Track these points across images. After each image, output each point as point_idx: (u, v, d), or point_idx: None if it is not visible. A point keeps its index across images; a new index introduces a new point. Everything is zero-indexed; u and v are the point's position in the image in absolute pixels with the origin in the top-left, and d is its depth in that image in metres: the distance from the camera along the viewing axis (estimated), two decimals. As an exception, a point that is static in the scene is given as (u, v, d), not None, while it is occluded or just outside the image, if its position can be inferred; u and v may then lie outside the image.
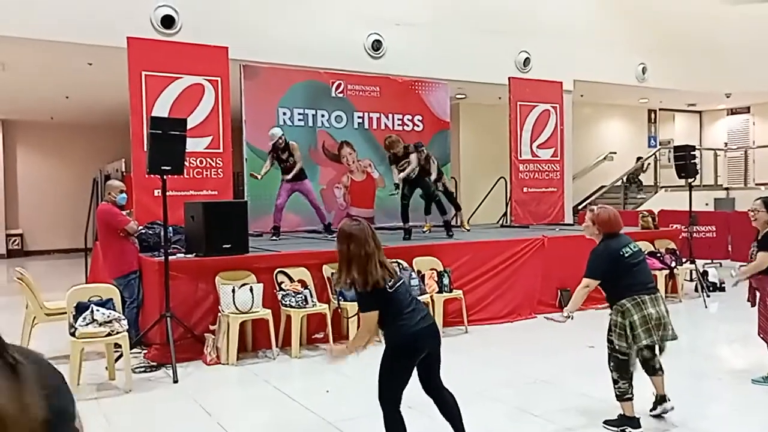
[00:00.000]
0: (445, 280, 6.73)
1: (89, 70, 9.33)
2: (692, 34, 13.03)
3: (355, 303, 6.01)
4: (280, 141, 8.20)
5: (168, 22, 8.15)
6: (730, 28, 13.29)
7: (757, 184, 15.06)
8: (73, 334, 4.90)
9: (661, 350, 4.03)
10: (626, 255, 3.90)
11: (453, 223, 8.98)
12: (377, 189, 10.03)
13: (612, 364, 3.92)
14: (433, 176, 8.61)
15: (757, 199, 4.94)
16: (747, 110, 16.86)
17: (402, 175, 7.97)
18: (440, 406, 3.31)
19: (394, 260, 3.40)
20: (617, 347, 3.88)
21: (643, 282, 3.92)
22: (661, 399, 4.11)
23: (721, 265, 10.42)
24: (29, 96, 11.89)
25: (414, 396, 3.29)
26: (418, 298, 3.45)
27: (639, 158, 16.11)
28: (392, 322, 3.22)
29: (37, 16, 7.48)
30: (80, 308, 4.99)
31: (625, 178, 15.15)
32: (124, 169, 12.94)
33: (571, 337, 6.39)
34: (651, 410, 4.14)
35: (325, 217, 8.69)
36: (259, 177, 8.27)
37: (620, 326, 3.86)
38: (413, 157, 7.97)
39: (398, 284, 3.22)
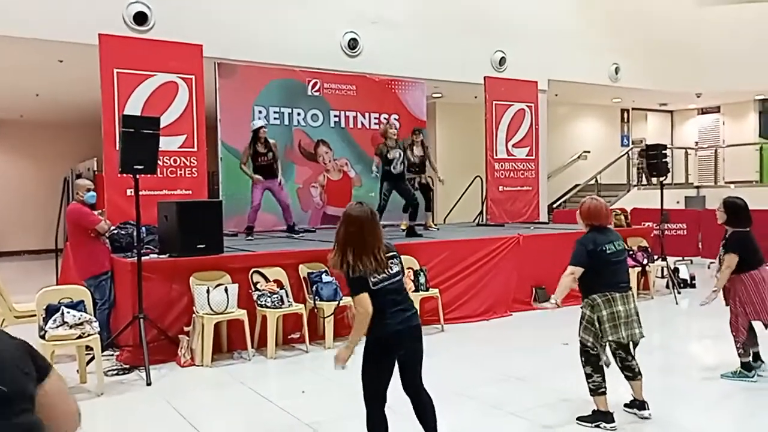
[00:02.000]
0: (422, 279, 6.75)
1: (60, 68, 9.16)
2: (664, 35, 13.25)
3: (331, 303, 6.05)
4: (264, 131, 8.06)
5: (141, 18, 8.04)
6: (701, 30, 13.54)
7: (726, 183, 15.37)
8: (42, 337, 4.81)
9: (635, 345, 4.08)
10: (608, 251, 3.94)
11: (422, 223, 9.00)
12: (354, 188, 10.02)
13: (583, 359, 3.97)
14: (417, 152, 8.76)
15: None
16: (717, 110, 17.20)
17: (391, 154, 8.08)
18: (416, 407, 3.28)
19: (392, 254, 3.28)
20: (582, 340, 3.94)
21: (616, 281, 3.96)
22: (640, 405, 4.12)
23: (692, 262, 10.62)
24: (-3, 93, 11.63)
25: (399, 399, 3.28)
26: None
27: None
28: (374, 317, 3.18)
29: (7, 12, 7.31)
30: (50, 310, 4.89)
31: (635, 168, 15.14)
32: (95, 168, 12.73)
33: (545, 334, 6.46)
34: (625, 405, 4.19)
35: (291, 218, 8.51)
36: (252, 175, 8.13)
37: (588, 319, 3.93)
38: (398, 152, 8.18)
39: (386, 282, 3.13)
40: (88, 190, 5.84)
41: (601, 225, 4.05)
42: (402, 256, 7.10)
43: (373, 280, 3.11)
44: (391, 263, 3.19)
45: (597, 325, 3.88)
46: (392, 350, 3.17)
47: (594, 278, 3.94)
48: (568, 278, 3.99)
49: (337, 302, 6.09)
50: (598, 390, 3.94)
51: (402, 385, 3.27)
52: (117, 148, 6.25)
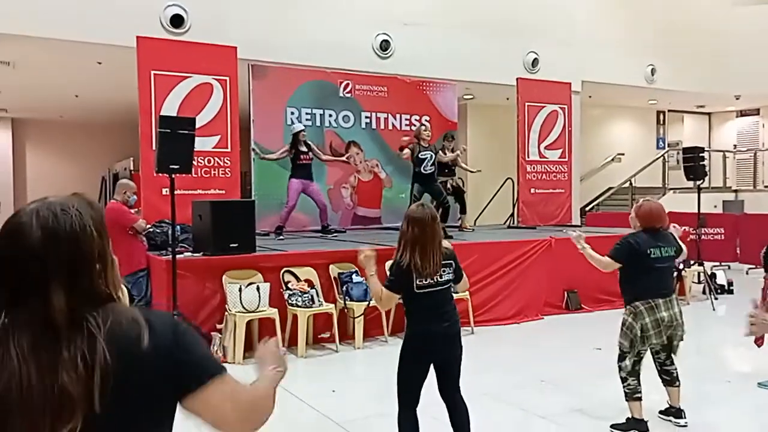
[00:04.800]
0: (452, 281, 6.73)
1: (99, 69, 9.38)
2: (701, 36, 12.96)
3: (361, 303, 6.08)
4: (303, 134, 8.28)
5: (177, 21, 8.18)
6: (739, 30, 13.21)
7: (766, 187, 14.98)
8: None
9: (674, 351, 4.00)
10: (652, 255, 3.85)
11: (457, 224, 9.09)
12: (384, 189, 10.04)
13: (620, 363, 3.92)
14: (449, 156, 8.81)
15: None
16: (756, 112, 16.75)
17: (423, 155, 8.14)
18: (450, 414, 3.27)
19: (448, 261, 3.26)
20: (619, 344, 3.89)
21: (657, 287, 3.87)
22: (676, 413, 4.05)
23: (729, 268, 10.39)
24: (39, 94, 11.96)
25: (432, 402, 3.29)
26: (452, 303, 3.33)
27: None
28: (412, 318, 3.24)
29: (47, 15, 7.52)
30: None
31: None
32: (132, 168, 13.00)
33: (577, 338, 6.40)
34: (660, 412, 4.12)
35: (326, 218, 8.61)
36: (265, 157, 8.38)
37: (628, 326, 3.87)
38: (429, 153, 8.27)
39: (431, 289, 3.16)
40: (134, 192, 6.08)
41: (656, 228, 3.97)
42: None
43: (418, 283, 3.13)
44: (443, 270, 3.20)
45: (638, 333, 3.81)
46: (426, 353, 3.19)
47: (636, 283, 3.87)
48: (601, 259, 3.96)
49: (367, 302, 6.10)
50: (633, 395, 3.88)
51: (438, 389, 3.27)
52: (153, 148, 6.38)
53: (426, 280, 3.14)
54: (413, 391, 3.17)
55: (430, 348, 3.19)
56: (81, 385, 1.04)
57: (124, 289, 5.43)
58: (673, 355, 4.00)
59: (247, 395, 1.29)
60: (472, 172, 9.63)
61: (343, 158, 9.27)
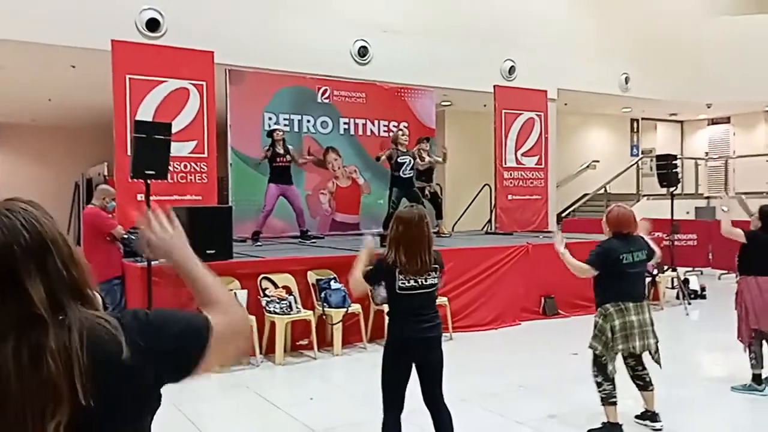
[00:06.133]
0: (430, 287, 6.74)
1: (72, 73, 9.23)
2: (675, 45, 13.23)
3: (340, 310, 6.06)
4: (278, 133, 8.20)
5: (153, 25, 8.09)
6: (711, 40, 13.51)
7: (737, 193, 15.27)
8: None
9: (658, 362, 4.03)
10: (624, 261, 3.91)
11: (435, 230, 9.11)
12: (362, 195, 10.03)
13: (595, 367, 3.96)
14: (427, 160, 8.80)
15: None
16: (727, 120, 17.11)
17: (401, 159, 8.19)
18: (434, 421, 3.27)
19: (435, 266, 3.24)
20: (591, 347, 3.92)
21: (629, 292, 3.93)
22: (652, 417, 4.10)
23: (702, 273, 10.55)
24: (10, 98, 11.72)
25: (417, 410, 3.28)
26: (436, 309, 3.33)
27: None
28: (393, 321, 3.26)
29: (20, 18, 7.39)
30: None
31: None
32: (106, 173, 12.80)
33: (554, 344, 6.44)
34: (636, 416, 4.17)
35: (304, 224, 8.51)
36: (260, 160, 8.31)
37: (599, 328, 3.92)
38: (407, 158, 8.34)
39: (414, 291, 3.15)
40: (113, 199, 5.99)
41: (626, 232, 4.02)
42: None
43: (401, 284, 3.13)
44: (429, 274, 3.19)
45: (609, 335, 3.87)
46: (404, 356, 3.20)
47: (608, 287, 3.93)
48: (579, 265, 3.98)
49: (345, 309, 6.09)
50: (608, 399, 3.92)
51: (422, 395, 3.27)
52: (128, 153, 6.30)
53: (409, 282, 3.14)
54: (396, 393, 3.17)
55: (409, 350, 3.20)
56: (66, 377, 1.02)
57: (98, 296, 5.33)
58: (657, 365, 4.02)
59: (228, 329, 1.31)
60: (440, 161, 9.39)
61: (313, 157, 9.21)
